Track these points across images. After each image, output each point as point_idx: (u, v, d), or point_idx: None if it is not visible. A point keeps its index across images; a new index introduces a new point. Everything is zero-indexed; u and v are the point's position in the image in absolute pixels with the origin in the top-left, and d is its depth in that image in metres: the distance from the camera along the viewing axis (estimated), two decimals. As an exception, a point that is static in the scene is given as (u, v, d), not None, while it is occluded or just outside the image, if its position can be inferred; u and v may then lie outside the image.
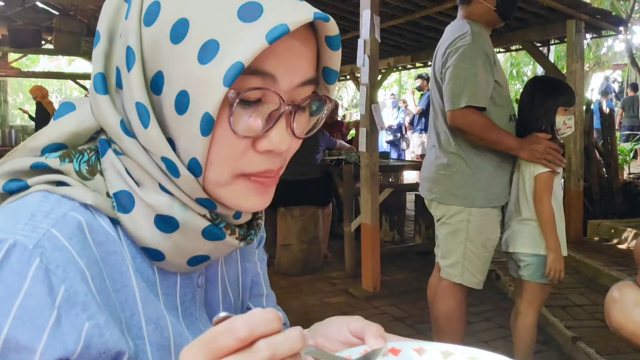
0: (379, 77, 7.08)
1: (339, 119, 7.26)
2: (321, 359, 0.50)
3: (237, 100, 0.52)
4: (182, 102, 0.52)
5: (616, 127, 10.21)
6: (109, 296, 0.54)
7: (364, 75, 3.99)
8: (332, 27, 0.56)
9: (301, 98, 0.57)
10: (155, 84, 0.54)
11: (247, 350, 0.41)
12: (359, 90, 4.53)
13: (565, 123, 2.40)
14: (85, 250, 0.53)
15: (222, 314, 0.42)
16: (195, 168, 0.55)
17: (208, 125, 0.52)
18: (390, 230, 5.69)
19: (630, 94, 12.08)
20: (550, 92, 2.41)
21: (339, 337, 0.63)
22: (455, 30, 2.41)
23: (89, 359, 0.51)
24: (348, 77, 8.87)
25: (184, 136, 0.54)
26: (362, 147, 4.09)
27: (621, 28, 5.73)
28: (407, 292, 4.15)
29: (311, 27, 0.57)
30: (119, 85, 0.57)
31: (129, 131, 0.56)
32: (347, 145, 5.78)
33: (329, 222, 5.01)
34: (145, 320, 0.57)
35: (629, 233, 4.87)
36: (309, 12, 0.53)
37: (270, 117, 0.55)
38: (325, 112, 0.63)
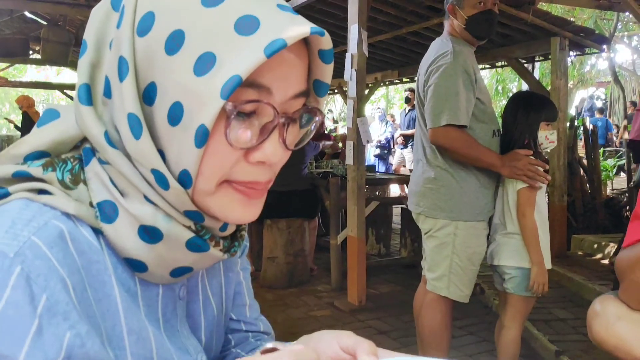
0: (367, 91, 7.13)
1: (327, 132, 7.28)
2: None
3: (235, 114, 0.52)
4: (176, 114, 0.52)
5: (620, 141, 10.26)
6: (90, 306, 0.54)
7: (351, 89, 4.02)
8: (326, 41, 0.57)
9: (293, 110, 0.57)
10: (147, 95, 0.54)
11: None
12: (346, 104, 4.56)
13: (547, 137, 2.44)
14: (67, 259, 0.52)
15: (269, 345, 0.44)
16: (185, 180, 0.55)
17: (203, 137, 0.52)
18: (376, 243, 5.69)
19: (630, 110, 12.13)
20: (532, 107, 2.44)
21: (329, 352, 0.63)
22: (438, 47, 2.45)
23: None
24: (336, 90, 8.92)
25: (176, 148, 0.54)
26: (349, 160, 4.11)
27: (604, 46, 5.84)
28: (392, 305, 4.15)
29: (304, 40, 0.57)
30: (108, 95, 0.56)
31: (113, 143, 0.56)
32: (329, 142, 5.78)
33: (314, 235, 5.00)
34: (127, 331, 0.57)
35: (612, 248, 4.92)
36: (306, 27, 0.53)
37: (264, 129, 0.55)
38: (314, 124, 0.63)
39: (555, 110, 2.49)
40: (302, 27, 0.53)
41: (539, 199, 2.43)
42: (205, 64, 0.51)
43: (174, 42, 0.52)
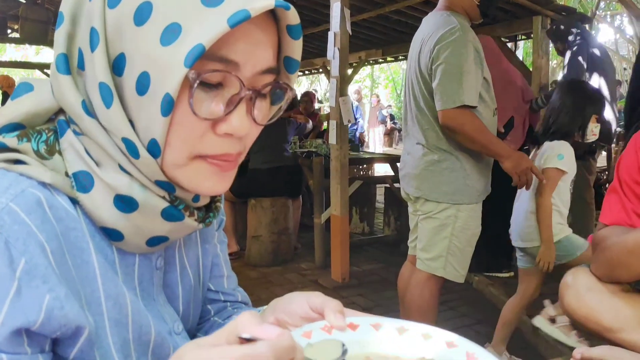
0: (351, 70, 7.10)
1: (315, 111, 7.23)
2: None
3: (198, 82, 0.53)
4: (143, 84, 0.53)
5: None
6: (69, 271, 0.55)
7: (334, 68, 4.01)
8: (292, 16, 0.58)
9: (261, 85, 0.58)
10: (117, 66, 0.55)
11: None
12: (329, 82, 4.54)
13: (592, 130, 2.50)
14: (45, 225, 0.53)
15: (246, 335, 0.43)
16: (154, 149, 0.56)
17: (168, 106, 0.53)
18: (360, 222, 5.74)
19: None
20: (590, 100, 2.49)
21: (300, 312, 0.64)
22: (440, 23, 2.31)
23: (49, 330, 0.51)
24: (321, 70, 8.86)
25: (144, 117, 0.55)
26: (332, 139, 4.11)
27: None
28: (375, 282, 4.20)
29: (273, 16, 0.58)
30: (81, 67, 0.57)
31: (90, 112, 0.57)
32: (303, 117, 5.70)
33: (298, 214, 5.02)
34: (104, 296, 0.58)
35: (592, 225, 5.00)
36: (271, 0, 0.54)
37: (230, 101, 0.56)
38: (285, 100, 0.64)
39: (604, 105, 2.53)
40: (267, 0, 0.54)
41: (563, 186, 2.49)
42: (171, 34, 0.52)
43: (143, 14, 0.53)
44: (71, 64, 0.58)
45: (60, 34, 0.58)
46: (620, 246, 1.47)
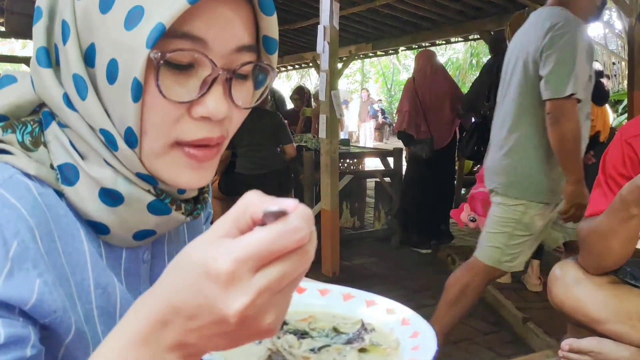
0: (341, 64, 7.09)
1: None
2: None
3: (162, 62, 0.52)
4: (112, 71, 0.53)
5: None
6: (59, 258, 0.54)
7: (323, 62, 4.00)
8: None
9: (237, 64, 0.56)
10: (88, 57, 0.54)
11: (297, 254, 0.40)
12: (320, 77, 4.52)
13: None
14: (35, 210, 0.52)
15: (274, 208, 0.39)
16: (130, 139, 0.55)
17: (137, 91, 0.52)
18: (350, 217, 5.74)
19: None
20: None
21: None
22: (556, 15, 2.23)
23: (41, 314, 0.50)
24: (310, 64, 8.84)
25: (118, 106, 0.54)
26: (322, 133, 4.10)
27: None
28: (365, 276, 4.21)
29: None
30: (57, 62, 0.57)
31: (72, 105, 0.56)
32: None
33: None
34: (94, 285, 0.58)
35: (580, 218, 5.03)
36: None
37: (204, 83, 0.55)
38: (269, 82, 0.63)
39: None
40: None
41: None
42: (134, 17, 0.51)
43: (107, 1, 0.53)
44: (52, 58, 0.57)
45: (38, 29, 0.57)
46: (593, 230, 1.49)
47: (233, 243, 0.39)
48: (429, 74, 4.79)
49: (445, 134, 4.76)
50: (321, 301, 0.64)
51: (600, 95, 4.06)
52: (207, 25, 0.53)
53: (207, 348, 0.43)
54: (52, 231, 0.54)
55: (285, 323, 0.57)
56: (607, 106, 4.38)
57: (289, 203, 0.40)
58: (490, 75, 4.12)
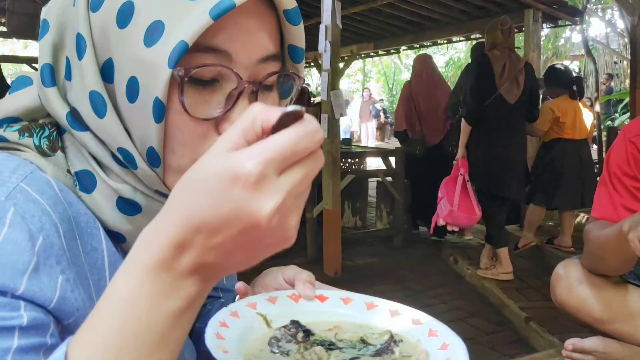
0: (342, 64, 7.07)
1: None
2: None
3: (186, 79, 0.50)
4: (133, 90, 0.51)
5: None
6: (78, 256, 0.53)
7: (325, 61, 3.99)
8: (287, 1, 0.55)
9: (263, 75, 0.55)
10: (106, 72, 0.52)
11: (315, 155, 0.40)
12: (321, 76, 4.51)
13: None
14: (57, 205, 0.51)
15: (291, 108, 0.39)
16: (153, 158, 0.53)
17: (160, 111, 0.50)
18: (352, 216, 5.73)
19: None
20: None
21: (274, 284, 0.66)
22: None
23: (65, 313, 0.49)
24: (312, 64, 8.83)
25: (138, 125, 0.52)
26: (324, 133, 4.10)
27: (577, 18, 5.87)
28: (367, 276, 4.20)
29: (271, 3, 0.55)
30: (68, 77, 0.55)
31: (76, 125, 0.54)
32: None
33: None
34: None
35: (582, 218, 5.02)
36: None
37: (230, 97, 0.53)
38: (295, 91, 0.61)
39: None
40: None
41: None
42: (155, 33, 0.50)
43: (124, 15, 0.51)
44: (57, 75, 0.56)
45: (45, 44, 0.55)
46: (595, 241, 1.48)
47: (256, 146, 0.38)
48: (425, 79, 5.07)
49: (437, 134, 5.09)
50: (344, 310, 0.63)
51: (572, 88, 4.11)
52: (231, 37, 0.51)
53: (226, 266, 0.41)
54: (73, 228, 0.53)
55: (311, 334, 0.57)
56: (583, 104, 4.34)
57: (298, 107, 0.39)
58: (465, 81, 4.22)
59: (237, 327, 0.53)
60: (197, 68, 0.50)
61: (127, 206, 0.56)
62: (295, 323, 0.56)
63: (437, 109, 5.03)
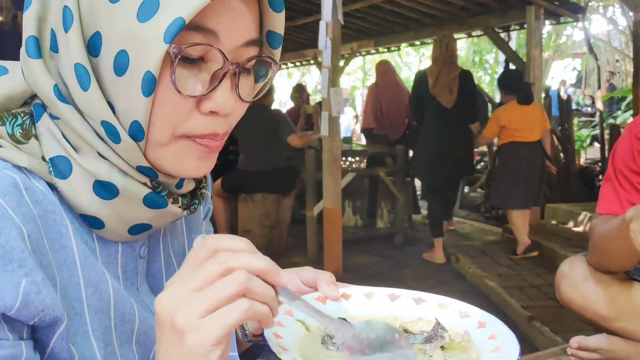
0: (342, 61, 7.05)
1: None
2: (307, 311, 0.53)
3: (179, 57, 0.51)
4: (122, 63, 0.51)
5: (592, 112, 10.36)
6: (46, 255, 0.53)
7: (326, 58, 3.96)
8: None
9: (244, 59, 0.56)
10: (92, 45, 0.53)
11: (227, 277, 0.46)
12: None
13: None
14: (21, 207, 0.51)
15: (201, 236, 0.48)
16: (137, 132, 0.54)
17: (150, 85, 0.51)
18: (353, 215, 5.71)
19: None
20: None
21: (290, 286, 0.66)
22: None
23: (27, 316, 0.50)
24: (312, 61, 8.82)
25: (124, 98, 0.52)
26: (324, 131, 4.07)
27: (579, 15, 5.85)
28: (368, 275, 4.18)
29: None
30: (54, 49, 0.55)
31: (63, 97, 0.54)
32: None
33: (289, 212, 4.92)
34: (84, 282, 0.56)
35: (585, 217, 5.00)
36: None
37: (214, 77, 0.54)
38: (271, 76, 0.62)
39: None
40: None
41: None
42: (148, 9, 0.50)
43: None
44: (42, 47, 0.55)
45: (29, 16, 0.55)
46: (600, 235, 1.46)
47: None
48: (388, 82, 5.70)
49: (398, 130, 5.70)
50: (370, 305, 0.65)
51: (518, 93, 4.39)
52: (220, 18, 0.53)
53: None
54: (39, 228, 0.52)
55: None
56: (534, 107, 4.49)
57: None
58: (418, 89, 4.65)
59: (285, 334, 0.56)
60: (189, 46, 0.51)
61: (103, 190, 0.56)
62: (343, 320, 0.58)
63: (400, 109, 5.59)
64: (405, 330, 0.60)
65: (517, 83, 4.50)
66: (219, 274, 0.46)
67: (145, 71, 0.50)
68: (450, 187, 4.74)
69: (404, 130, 5.70)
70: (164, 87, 0.52)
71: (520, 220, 4.40)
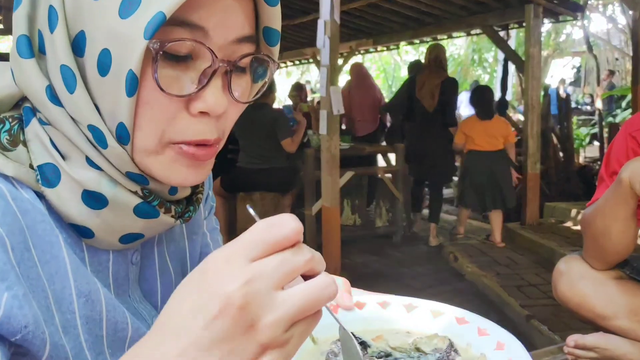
0: (341, 60, 7.04)
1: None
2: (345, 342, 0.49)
3: (161, 53, 0.48)
4: (104, 62, 0.49)
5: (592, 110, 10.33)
6: (33, 267, 0.50)
7: (324, 57, 3.95)
8: None
9: (237, 56, 0.54)
10: (77, 45, 0.51)
11: (293, 249, 0.41)
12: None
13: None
14: (6, 217, 0.49)
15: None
16: (122, 135, 0.51)
17: (132, 84, 0.48)
18: (351, 214, 5.70)
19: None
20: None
21: None
22: None
23: (10, 331, 0.47)
24: (311, 60, 8.81)
25: (109, 100, 0.50)
26: (323, 129, 4.06)
27: (578, 14, 5.84)
28: (367, 274, 4.18)
29: None
30: (42, 50, 0.53)
31: (55, 98, 0.52)
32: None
33: (288, 211, 4.90)
34: (76, 293, 0.54)
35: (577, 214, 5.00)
36: None
37: (203, 75, 0.52)
38: (269, 75, 0.59)
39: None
40: None
41: None
42: (130, 4, 0.48)
43: None
44: (34, 47, 0.54)
45: (19, 16, 0.53)
46: (593, 213, 1.48)
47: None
48: (360, 83, 6.24)
49: (369, 126, 6.30)
50: (384, 315, 0.63)
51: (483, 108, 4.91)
52: (208, 13, 0.50)
53: None
54: (26, 240, 0.50)
55: (367, 345, 0.56)
56: (497, 120, 4.93)
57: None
58: (408, 90, 5.28)
59: None
60: (172, 42, 0.49)
61: (92, 200, 0.54)
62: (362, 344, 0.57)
63: (373, 106, 6.21)
64: (417, 349, 0.57)
65: (480, 100, 5.00)
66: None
67: (127, 70, 0.48)
68: (433, 188, 5.26)
69: (376, 128, 6.34)
70: (148, 87, 0.50)
71: (493, 222, 4.90)
